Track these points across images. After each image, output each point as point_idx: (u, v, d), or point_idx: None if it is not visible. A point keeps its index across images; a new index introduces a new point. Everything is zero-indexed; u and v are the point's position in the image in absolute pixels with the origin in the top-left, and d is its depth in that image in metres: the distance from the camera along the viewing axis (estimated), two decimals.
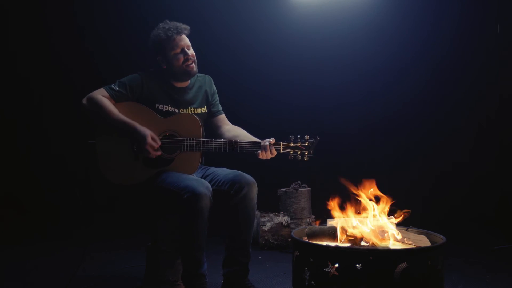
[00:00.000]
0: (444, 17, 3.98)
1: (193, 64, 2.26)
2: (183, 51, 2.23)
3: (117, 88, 2.18)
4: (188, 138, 2.18)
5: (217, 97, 2.47)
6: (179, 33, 2.23)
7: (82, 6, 4.01)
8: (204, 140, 2.18)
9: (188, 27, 2.29)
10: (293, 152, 2.21)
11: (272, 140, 2.17)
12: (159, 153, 2.13)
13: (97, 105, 2.12)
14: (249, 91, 4.16)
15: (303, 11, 4.10)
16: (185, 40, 2.26)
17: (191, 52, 2.26)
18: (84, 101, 2.15)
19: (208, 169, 2.33)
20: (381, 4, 3.97)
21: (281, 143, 2.20)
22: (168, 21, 2.26)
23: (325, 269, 1.62)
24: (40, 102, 4.15)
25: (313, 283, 1.66)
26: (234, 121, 2.49)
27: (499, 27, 3.79)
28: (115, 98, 2.18)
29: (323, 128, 4.04)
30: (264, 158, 2.17)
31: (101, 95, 2.15)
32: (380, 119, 4.12)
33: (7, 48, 4.00)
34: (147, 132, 2.09)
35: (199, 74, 2.40)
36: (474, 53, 3.94)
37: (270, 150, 2.15)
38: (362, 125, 4.14)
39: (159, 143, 2.13)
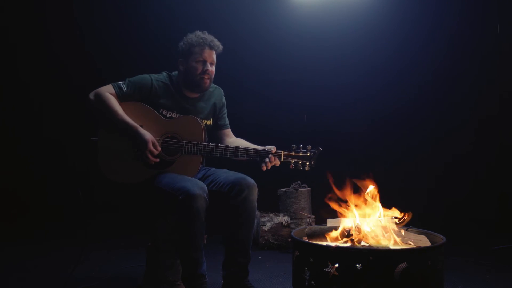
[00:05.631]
0: (444, 17, 3.97)
1: (208, 80, 2.24)
2: (205, 64, 2.22)
3: (125, 88, 2.17)
4: (190, 141, 2.17)
5: (225, 110, 2.45)
6: (211, 47, 2.24)
7: (82, 5, 4.01)
8: (205, 144, 2.18)
9: (221, 46, 2.28)
10: (294, 162, 2.19)
11: (273, 148, 2.16)
12: (157, 159, 2.13)
13: (103, 103, 2.12)
14: (248, 91, 4.15)
15: (303, 11, 4.10)
16: (213, 56, 2.25)
17: (212, 68, 2.25)
18: (91, 96, 2.14)
19: (209, 169, 2.32)
20: (381, 4, 3.97)
21: (283, 151, 2.18)
22: (207, 33, 2.26)
23: (325, 269, 1.62)
24: (41, 102, 4.15)
25: (313, 283, 1.66)
26: (233, 121, 2.48)
27: (499, 27, 3.79)
28: (121, 97, 2.17)
29: (323, 127, 4.05)
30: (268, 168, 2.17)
31: (108, 92, 2.14)
32: (380, 118, 4.12)
33: (6, 48, 4.00)
34: (148, 138, 2.09)
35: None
36: (474, 53, 3.94)
37: (274, 161, 2.15)
38: (362, 124, 4.14)
39: (159, 149, 2.13)
